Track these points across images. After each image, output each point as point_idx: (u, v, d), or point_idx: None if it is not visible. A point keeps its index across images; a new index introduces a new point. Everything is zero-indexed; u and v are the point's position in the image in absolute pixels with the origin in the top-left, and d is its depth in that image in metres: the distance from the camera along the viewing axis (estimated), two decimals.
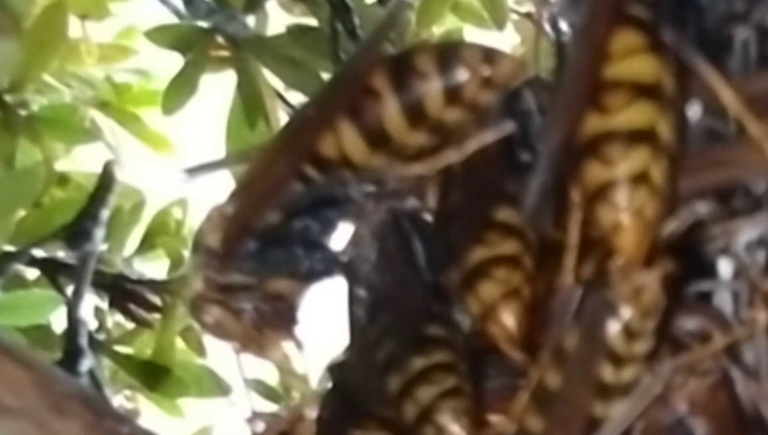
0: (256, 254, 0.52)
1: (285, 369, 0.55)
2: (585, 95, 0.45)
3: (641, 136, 0.45)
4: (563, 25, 0.57)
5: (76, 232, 1.15)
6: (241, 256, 0.52)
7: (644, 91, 0.46)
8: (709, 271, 0.50)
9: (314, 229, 0.53)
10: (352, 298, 0.56)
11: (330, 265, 0.53)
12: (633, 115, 0.45)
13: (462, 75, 0.51)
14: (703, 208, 0.48)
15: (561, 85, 0.46)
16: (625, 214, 0.45)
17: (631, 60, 0.46)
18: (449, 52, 0.51)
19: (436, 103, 0.51)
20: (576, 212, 0.46)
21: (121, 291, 1.28)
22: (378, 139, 0.52)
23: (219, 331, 0.54)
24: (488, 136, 0.52)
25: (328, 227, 0.53)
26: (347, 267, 0.54)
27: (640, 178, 0.45)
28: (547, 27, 0.63)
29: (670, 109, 0.46)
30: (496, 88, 0.51)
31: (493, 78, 0.51)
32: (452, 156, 0.53)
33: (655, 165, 0.45)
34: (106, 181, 1.18)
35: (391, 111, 0.51)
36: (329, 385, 0.56)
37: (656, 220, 0.45)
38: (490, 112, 0.54)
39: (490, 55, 0.51)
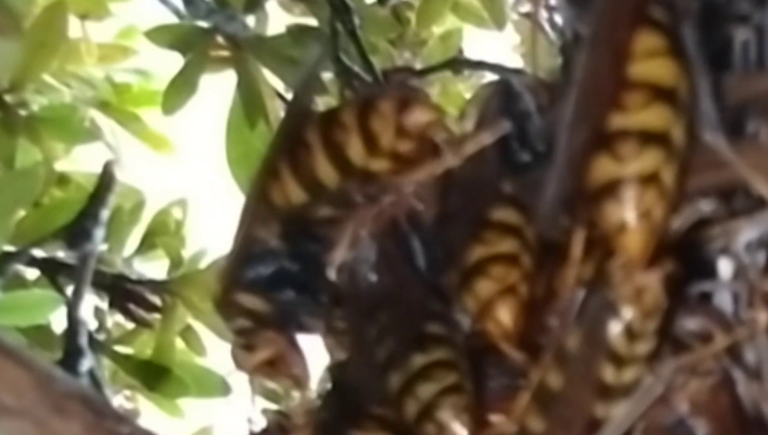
0: (249, 307, 0.55)
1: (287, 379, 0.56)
2: (609, 98, 0.45)
3: (656, 138, 0.45)
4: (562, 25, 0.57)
5: (76, 232, 1.15)
6: (236, 308, 0.55)
7: (662, 94, 0.45)
8: (709, 271, 0.50)
9: (296, 271, 0.55)
10: (352, 298, 0.56)
11: (319, 308, 0.55)
12: (650, 116, 0.45)
13: (377, 126, 0.52)
14: (705, 207, 0.48)
15: (577, 85, 0.46)
16: (633, 214, 0.44)
17: (652, 62, 0.45)
18: (368, 103, 0.53)
19: (358, 154, 0.52)
20: (584, 210, 0.46)
21: (121, 291, 1.28)
22: (315, 188, 0.53)
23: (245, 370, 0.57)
24: (486, 137, 0.53)
25: (311, 265, 0.55)
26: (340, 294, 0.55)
27: (650, 179, 0.44)
28: (547, 27, 0.63)
29: (684, 114, 0.46)
30: (412, 137, 0.52)
31: (407, 127, 0.52)
32: (451, 159, 0.53)
33: (667, 168, 0.45)
34: (106, 181, 1.18)
35: (321, 163, 0.53)
36: (329, 385, 0.56)
37: (663, 222, 0.45)
38: (488, 113, 0.54)
39: (405, 103, 0.52)
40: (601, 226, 0.45)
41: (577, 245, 0.46)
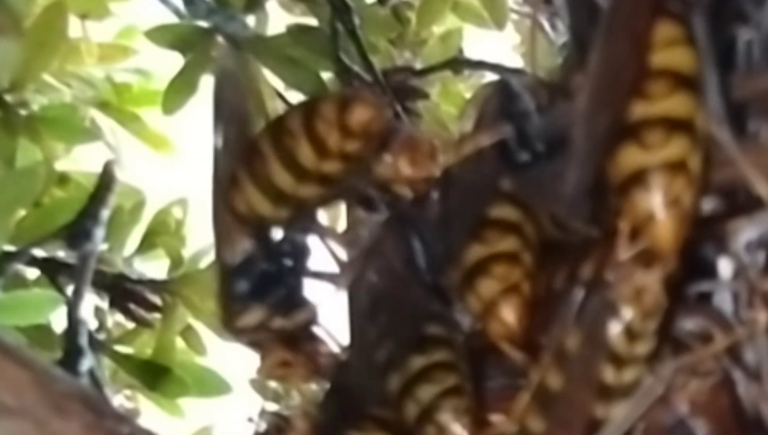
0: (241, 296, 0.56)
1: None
2: (630, 87, 0.45)
3: (681, 125, 0.45)
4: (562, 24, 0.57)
5: (76, 232, 1.15)
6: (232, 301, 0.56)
7: (685, 81, 0.45)
8: (709, 271, 0.50)
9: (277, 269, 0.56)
10: (352, 299, 0.56)
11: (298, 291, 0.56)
12: (674, 103, 0.45)
13: (322, 129, 0.52)
14: (707, 205, 0.48)
15: (595, 75, 0.46)
16: (662, 202, 0.44)
17: (673, 50, 0.45)
18: (311, 108, 0.53)
19: (309, 159, 0.53)
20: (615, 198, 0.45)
21: (121, 291, 1.28)
22: (276, 194, 0.54)
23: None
24: (485, 138, 0.53)
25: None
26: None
27: (678, 166, 0.44)
28: (547, 27, 0.62)
29: (703, 102, 0.46)
30: (359, 136, 0.52)
31: (351, 127, 0.52)
32: (451, 157, 0.53)
33: (693, 155, 0.45)
34: (106, 181, 1.18)
35: (275, 170, 0.53)
36: (328, 386, 0.56)
37: (691, 210, 0.45)
38: (488, 112, 0.54)
39: (345, 104, 0.52)
40: (629, 216, 0.45)
41: (624, 228, 0.46)
